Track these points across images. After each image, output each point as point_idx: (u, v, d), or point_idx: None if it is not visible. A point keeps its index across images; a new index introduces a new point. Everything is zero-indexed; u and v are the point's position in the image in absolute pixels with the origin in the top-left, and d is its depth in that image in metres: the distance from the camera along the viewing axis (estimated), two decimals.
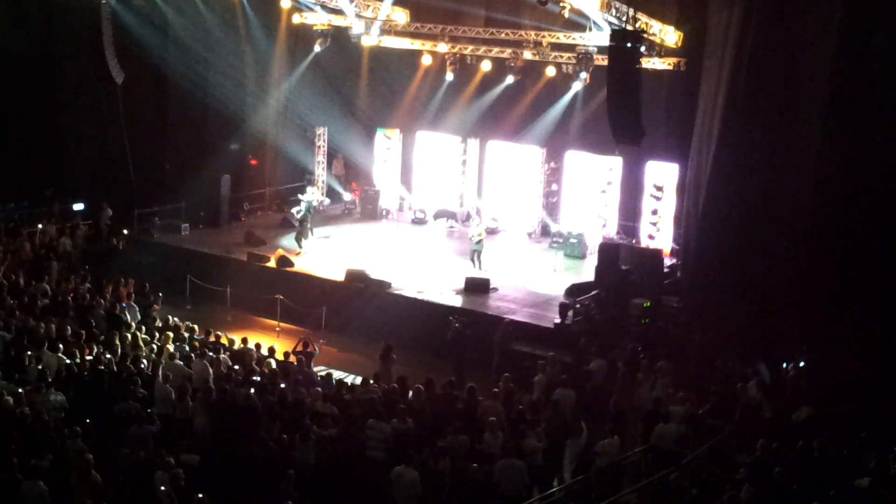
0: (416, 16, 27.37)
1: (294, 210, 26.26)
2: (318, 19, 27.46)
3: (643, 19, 21.70)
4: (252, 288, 22.62)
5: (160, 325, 18.67)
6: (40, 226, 24.32)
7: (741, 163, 18.99)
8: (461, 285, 22.24)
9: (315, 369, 17.34)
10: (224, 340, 17.92)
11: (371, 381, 15.90)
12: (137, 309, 19.22)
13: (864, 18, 17.07)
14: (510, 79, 27.52)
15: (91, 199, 26.69)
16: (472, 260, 23.82)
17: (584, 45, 24.51)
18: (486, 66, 27.66)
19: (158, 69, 27.61)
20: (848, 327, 16.76)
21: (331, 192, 30.60)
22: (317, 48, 27.95)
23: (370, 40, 27.29)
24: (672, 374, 15.96)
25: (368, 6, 25.40)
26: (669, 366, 16.15)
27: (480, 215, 27.44)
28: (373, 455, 13.05)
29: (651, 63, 23.81)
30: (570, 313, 19.92)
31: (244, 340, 17.84)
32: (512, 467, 12.37)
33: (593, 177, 26.90)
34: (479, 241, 23.81)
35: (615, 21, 20.95)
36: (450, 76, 28.53)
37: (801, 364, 16.18)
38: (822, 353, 16.27)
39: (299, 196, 27.10)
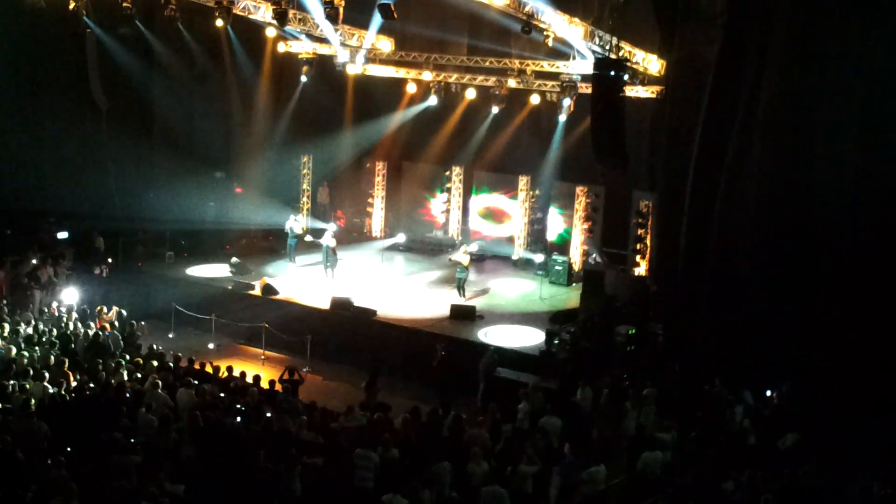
0: (400, 44, 27.53)
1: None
2: (303, 48, 27.50)
3: (626, 48, 21.87)
4: (237, 316, 22.56)
5: (144, 353, 18.57)
6: (34, 261, 24.01)
7: (721, 191, 19.13)
8: (447, 313, 22.23)
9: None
10: (209, 369, 17.83)
11: (356, 409, 15.82)
12: (120, 337, 19.12)
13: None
14: (495, 109, 27.63)
15: (75, 227, 26.57)
16: (458, 289, 23.78)
17: (568, 74, 24.59)
18: (470, 94, 27.76)
19: (143, 97, 27.61)
20: (832, 354, 16.84)
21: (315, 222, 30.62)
22: (303, 79, 27.99)
23: (355, 69, 27.39)
24: (658, 401, 15.97)
25: (353, 35, 25.48)
26: (656, 392, 16.16)
27: (464, 243, 27.42)
28: (361, 485, 12.95)
29: (634, 91, 23.95)
30: (556, 341, 19.94)
31: (229, 369, 17.79)
32: (494, 494, 12.29)
33: (578, 204, 27.00)
34: (464, 269, 23.82)
35: (599, 50, 21.10)
36: (434, 103, 28.61)
37: (786, 391, 16.21)
38: (806, 379, 16.30)
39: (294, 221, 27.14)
